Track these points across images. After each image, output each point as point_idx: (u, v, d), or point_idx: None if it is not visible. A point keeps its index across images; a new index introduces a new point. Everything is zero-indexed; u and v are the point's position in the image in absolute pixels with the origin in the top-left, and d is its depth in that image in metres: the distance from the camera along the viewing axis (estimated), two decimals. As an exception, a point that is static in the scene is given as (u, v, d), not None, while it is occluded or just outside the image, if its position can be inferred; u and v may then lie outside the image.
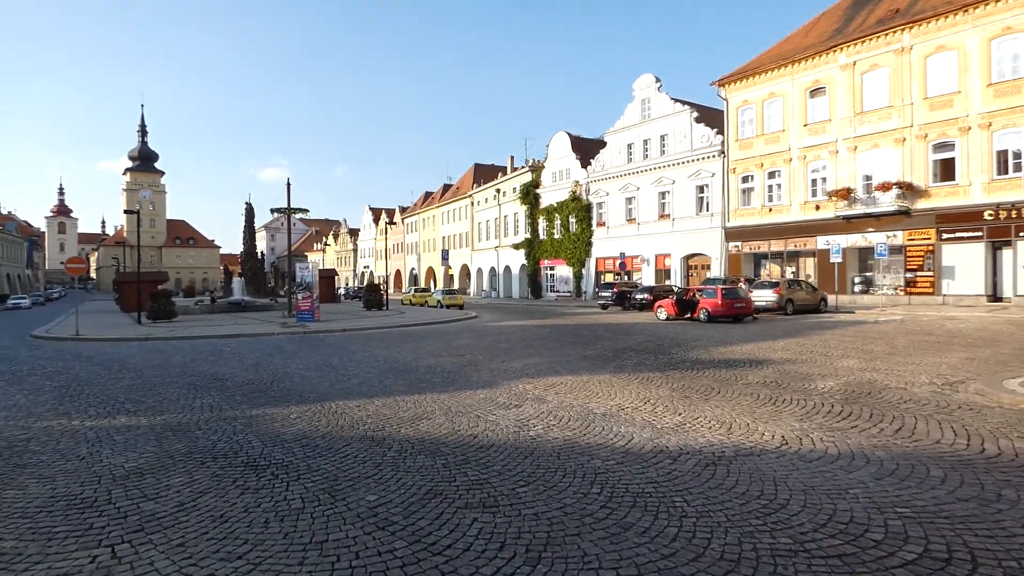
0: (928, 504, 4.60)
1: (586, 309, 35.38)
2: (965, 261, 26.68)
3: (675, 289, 33.43)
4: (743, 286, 23.76)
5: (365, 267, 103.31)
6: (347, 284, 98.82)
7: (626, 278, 41.81)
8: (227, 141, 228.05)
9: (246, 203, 68.31)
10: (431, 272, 78.77)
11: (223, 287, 72.74)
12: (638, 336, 18.20)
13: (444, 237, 73.89)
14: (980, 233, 26.11)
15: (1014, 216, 25.01)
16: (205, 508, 4.97)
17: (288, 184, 30.39)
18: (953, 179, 27.00)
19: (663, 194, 40.72)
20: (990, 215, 25.68)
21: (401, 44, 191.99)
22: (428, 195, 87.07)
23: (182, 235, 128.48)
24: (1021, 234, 24.92)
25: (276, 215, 33.01)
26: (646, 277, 41.17)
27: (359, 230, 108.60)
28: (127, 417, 8.52)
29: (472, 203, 66.26)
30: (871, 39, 29.81)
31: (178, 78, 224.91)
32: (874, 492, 4.87)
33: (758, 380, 10.22)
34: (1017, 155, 25.25)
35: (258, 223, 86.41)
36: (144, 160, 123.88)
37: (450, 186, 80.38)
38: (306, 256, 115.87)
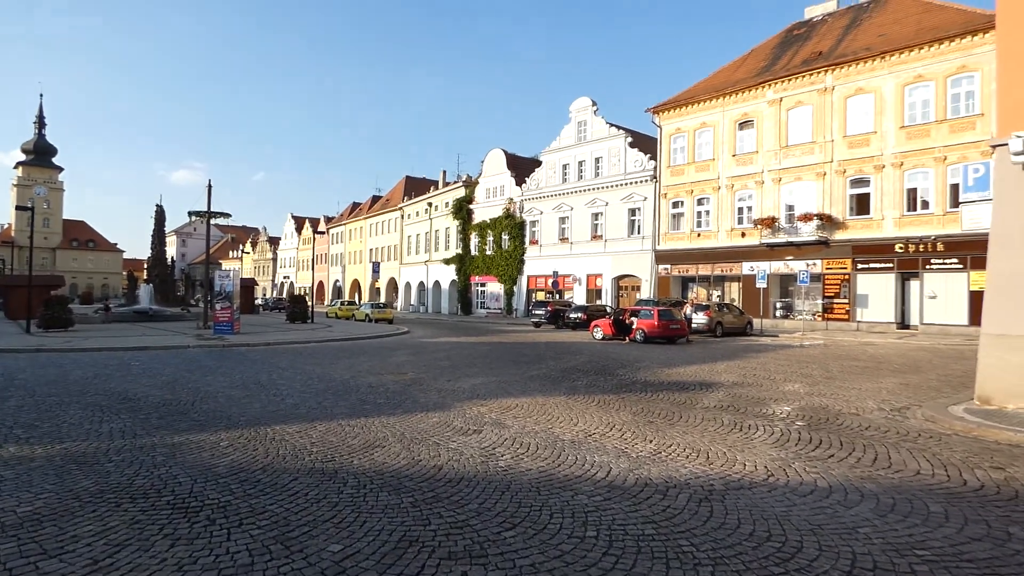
0: (944, 545, 4.38)
1: (519, 327, 35.07)
2: (877, 290, 28.30)
3: (609, 309, 33.74)
4: (688, 309, 24.09)
5: (285, 277, 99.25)
6: (265, 294, 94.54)
7: (558, 297, 41.90)
8: (136, 140, 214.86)
9: (156, 205, 64.24)
10: (356, 285, 76.54)
11: (126, 294, 67.70)
12: (581, 356, 17.96)
13: (372, 249, 72.07)
14: (891, 264, 27.80)
15: (921, 250, 26.78)
16: (126, 567, 4.07)
17: (209, 187, 28.52)
18: (868, 213, 28.68)
19: (596, 215, 41.24)
20: (900, 248, 27.39)
21: (329, 48, 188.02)
22: (356, 206, 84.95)
23: (80, 237, 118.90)
24: (927, 267, 26.69)
25: (194, 219, 30.89)
26: (578, 296, 41.43)
27: (279, 239, 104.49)
28: (17, 446, 7.23)
29: (403, 216, 65.02)
30: (796, 78, 31.44)
31: (83, 70, 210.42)
32: (884, 532, 4.61)
33: (714, 404, 10.08)
34: (925, 194, 27.12)
35: (169, 227, 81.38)
36: (40, 154, 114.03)
37: (379, 197, 78.74)
38: (220, 263, 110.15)
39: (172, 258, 77.80)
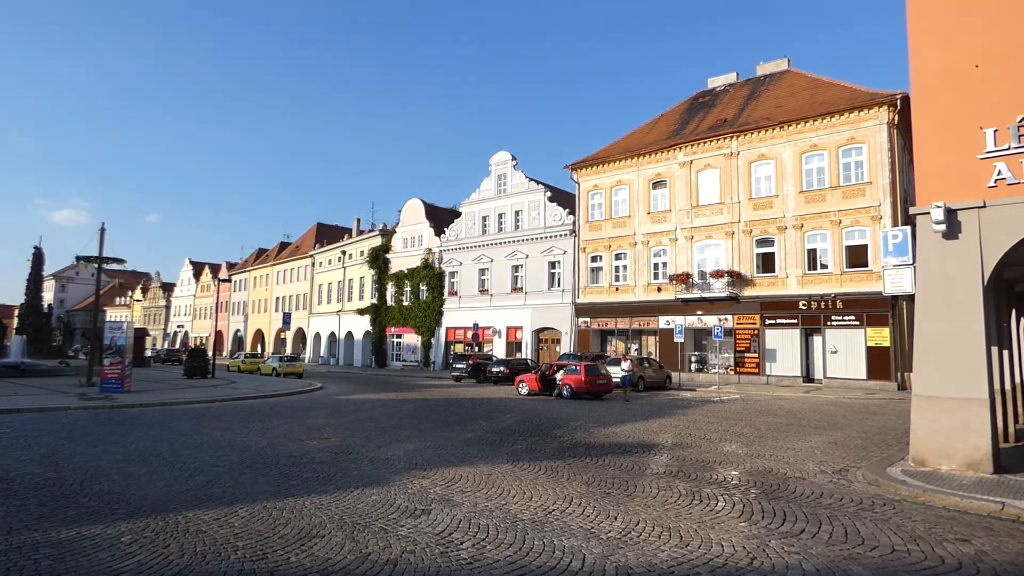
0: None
1: (438, 381, 34.09)
2: (784, 345, 29.77)
3: (530, 363, 33.48)
4: (625, 364, 24.10)
5: (179, 326, 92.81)
6: (156, 345, 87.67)
7: (478, 349, 41.28)
8: (12, 176, 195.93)
9: (35, 247, 58.62)
10: (259, 335, 72.58)
11: (-7, 344, 60.40)
12: (512, 415, 17.42)
13: (279, 298, 68.88)
14: (796, 320, 29.40)
15: (822, 307, 28.55)
16: None
17: (102, 230, 26.14)
18: (774, 271, 30.38)
19: (516, 267, 41.40)
20: (804, 305, 29.08)
21: (232, 87, 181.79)
22: (262, 252, 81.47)
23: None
24: (828, 323, 28.41)
25: (82, 264, 28.15)
26: (498, 349, 41.00)
27: (174, 285, 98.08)
28: None
29: (314, 264, 62.82)
30: (704, 142, 33.37)
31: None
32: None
33: (663, 470, 9.83)
34: (824, 254, 29.13)
35: (47, 270, 74.25)
36: None
37: (288, 244, 76.02)
38: (106, 311, 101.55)
39: (49, 305, 70.62)
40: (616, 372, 25.21)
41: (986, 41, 9.53)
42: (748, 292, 30.83)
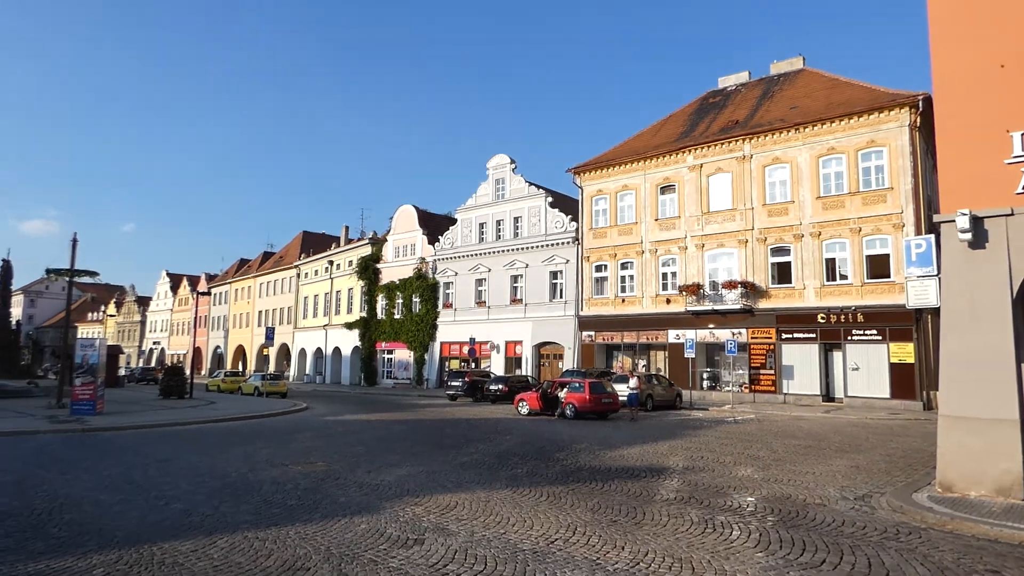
0: None
1: (432, 400, 34.05)
2: (802, 361, 29.76)
3: (531, 380, 33.47)
4: (632, 382, 24.00)
5: (155, 343, 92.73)
6: (130, 363, 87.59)
7: (474, 366, 41.26)
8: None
9: (2, 260, 58.64)
10: (240, 352, 72.60)
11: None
12: (511, 436, 17.42)
13: (262, 312, 68.95)
14: (814, 335, 29.42)
15: (843, 320, 28.58)
16: None
17: (74, 242, 26.18)
18: (790, 282, 30.45)
19: (516, 278, 41.47)
20: (822, 318, 29.11)
21: (213, 85, 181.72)
22: (244, 263, 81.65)
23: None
24: (849, 338, 28.43)
25: (52, 277, 28.23)
26: (496, 365, 40.97)
27: (150, 299, 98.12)
28: None
29: (299, 275, 62.93)
30: (715, 145, 33.55)
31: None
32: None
33: (674, 496, 9.82)
34: (843, 264, 29.21)
35: (15, 284, 74.29)
36: None
37: (272, 254, 76.14)
38: (77, 327, 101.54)
39: (18, 321, 70.49)
40: (623, 390, 25.18)
41: (1012, 40, 9.63)
42: (763, 304, 30.88)
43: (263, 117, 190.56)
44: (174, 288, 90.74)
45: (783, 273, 30.84)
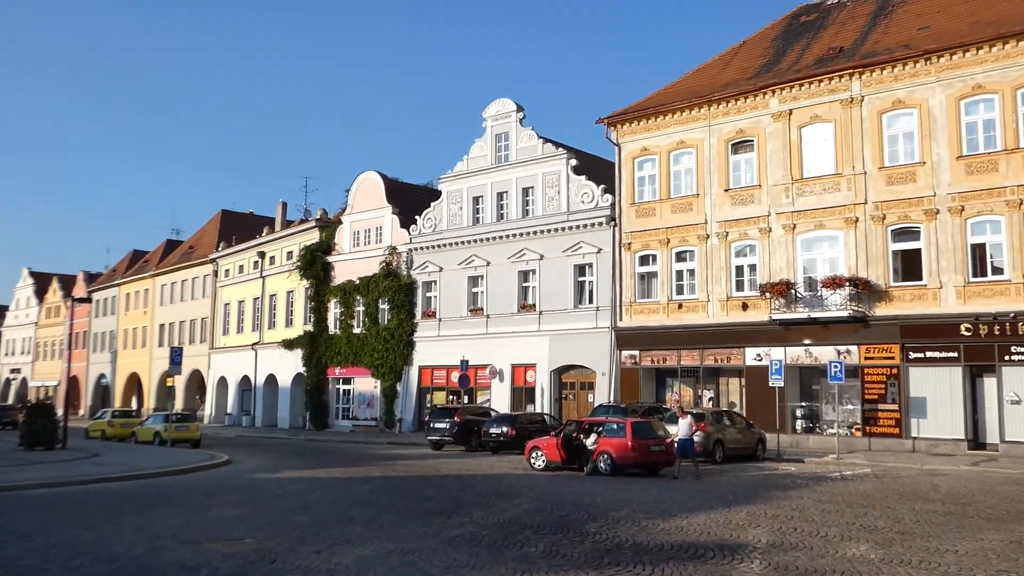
0: None
1: (408, 448, 34.17)
2: (939, 391, 29.66)
3: (549, 419, 33.56)
4: (684, 422, 23.53)
5: (14, 372, 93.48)
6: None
7: (467, 399, 41.36)
8: None
9: None
10: (135, 382, 73.32)
11: None
12: (520, 500, 17.51)
13: (164, 326, 69.60)
14: (955, 354, 29.32)
15: (997, 333, 28.48)
16: None
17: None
18: (919, 278, 30.41)
19: (526, 275, 41.59)
20: (967, 330, 29.00)
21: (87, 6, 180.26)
22: (139, 256, 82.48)
23: None
24: (1006, 358, 28.37)
25: None
26: (498, 399, 41.12)
27: (6, 308, 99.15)
28: None
29: (216, 272, 63.51)
30: (810, 83, 33.56)
31: None
32: None
33: (756, 586, 9.81)
34: (996, 252, 29.14)
35: None
36: None
37: (178, 243, 76.95)
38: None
39: None
40: (681, 432, 25.09)
41: None
42: (881, 310, 30.86)
43: (154, 44, 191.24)
44: (40, 293, 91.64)
45: (909, 266, 30.83)
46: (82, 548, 12.14)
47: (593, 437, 23.70)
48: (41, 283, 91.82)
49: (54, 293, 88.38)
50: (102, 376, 79.14)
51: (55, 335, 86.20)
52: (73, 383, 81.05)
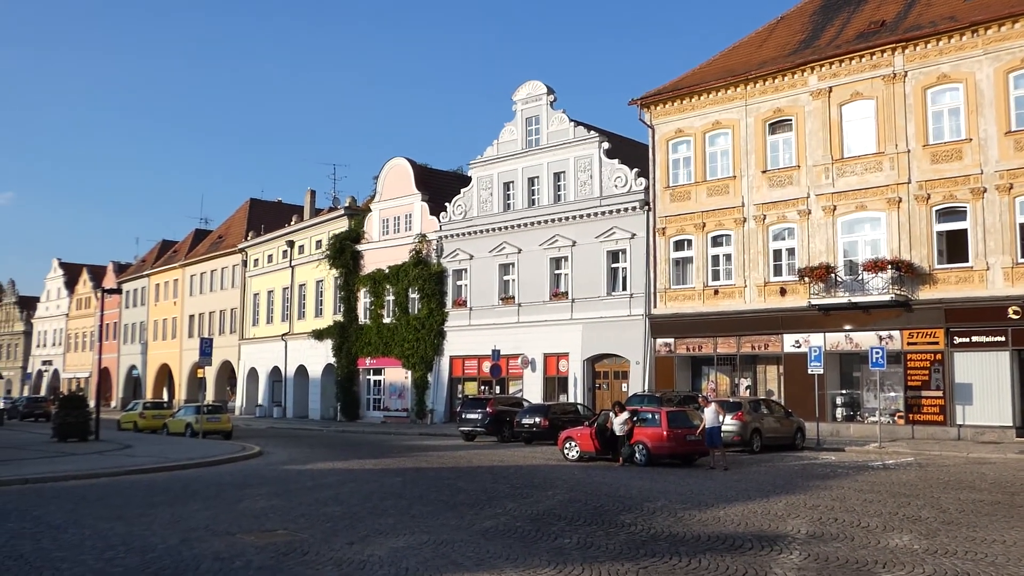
0: None
1: (441, 439, 34.35)
2: (985, 377, 29.36)
3: (582, 409, 33.62)
4: (710, 409, 23.44)
5: (46, 363, 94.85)
6: (11, 392, 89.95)
7: (498, 390, 41.50)
8: None
9: None
10: (165, 373, 74.23)
11: None
12: (554, 491, 17.58)
13: (194, 316, 70.36)
14: (1003, 338, 28.98)
15: (1047, 315, 28.14)
16: None
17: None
18: (965, 260, 30.01)
19: (558, 262, 41.63)
20: (1015, 313, 28.60)
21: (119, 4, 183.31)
22: (168, 246, 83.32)
23: None
24: (1056, 341, 28.02)
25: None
26: (530, 389, 41.23)
27: (37, 299, 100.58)
28: None
29: (245, 262, 63.98)
30: (851, 59, 33.16)
31: None
32: None
33: (795, 577, 9.78)
34: (1046, 230, 28.73)
35: None
36: None
37: (207, 232, 77.74)
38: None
39: None
40: (707, 421, 24.97)
41: None
42: (925, 293, 30.57)
43: (188, 40, 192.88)
44: (70, 284, 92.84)
45: (955, 247, 30.49)
46: (116, 540, 12.36)
47: (623, 416, 23.56)
48: (71, 274, 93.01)
49: (84, 284, 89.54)
50: (133, 367, 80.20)
51: (86, 326, 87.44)
52: (104, 375, 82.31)
